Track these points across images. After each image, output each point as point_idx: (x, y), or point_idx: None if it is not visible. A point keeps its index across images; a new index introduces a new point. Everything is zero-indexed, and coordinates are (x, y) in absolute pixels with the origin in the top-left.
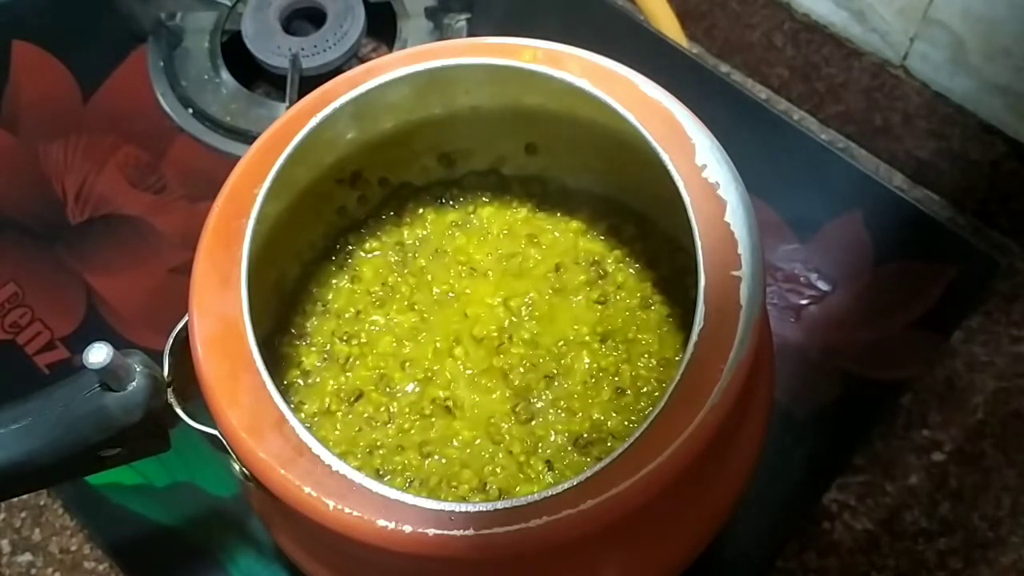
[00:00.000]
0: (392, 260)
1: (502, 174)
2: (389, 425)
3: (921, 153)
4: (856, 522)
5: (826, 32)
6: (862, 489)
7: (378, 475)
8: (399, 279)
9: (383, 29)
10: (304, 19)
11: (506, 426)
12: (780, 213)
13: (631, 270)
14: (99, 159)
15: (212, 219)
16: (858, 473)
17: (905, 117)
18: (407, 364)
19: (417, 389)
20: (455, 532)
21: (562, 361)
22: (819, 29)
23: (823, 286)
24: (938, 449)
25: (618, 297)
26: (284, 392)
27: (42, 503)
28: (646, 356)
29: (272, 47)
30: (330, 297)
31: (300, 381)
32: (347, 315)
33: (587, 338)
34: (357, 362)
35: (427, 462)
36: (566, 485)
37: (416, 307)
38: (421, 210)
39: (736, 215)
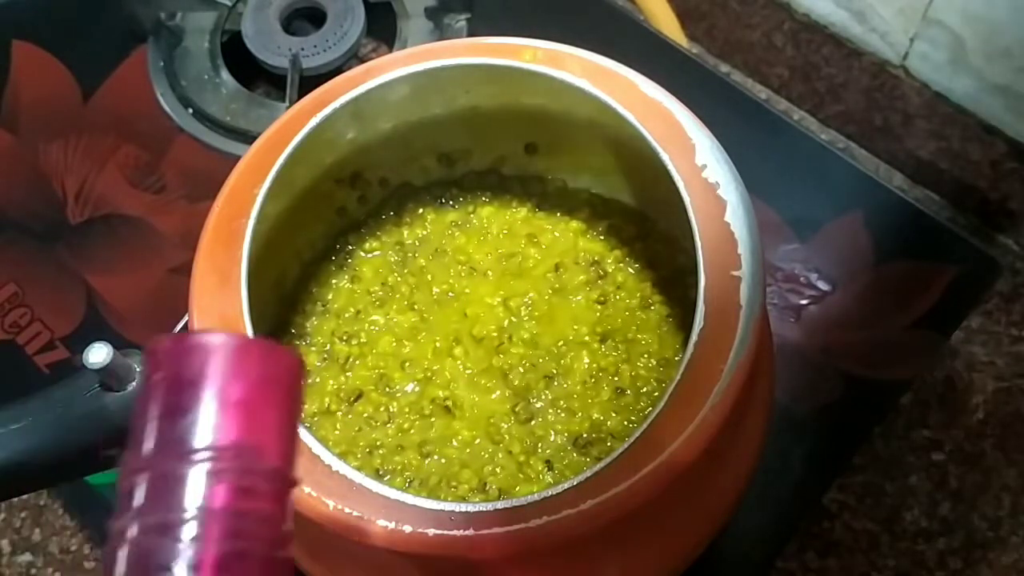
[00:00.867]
0: (392, 260)
1: (502, 174)
2: (389, 425)
3: (921, 153)
4: (856, 522)
5: (826, 32)
6: (862, 489)
7: (378, 475)
8: (399, 279)
9: (383, 29)
10: (304, 19)
11: (506, 426)
12: (780, 213)
13: (631, 270)
14: (99, 159)
15: (212, 219)
16: (858, 473)
17: (905, 117)
18: (407, 364)
19: (417, 389)
20: (455, 532)
21: (562, 361)
22: (819, 29)
23: (823, 286)
24: (938, 449)
25: (618, 297)
26: None
27: (42, 503)
28: (646, 356)
29: (272, 47)
30: (330, 297)
31: None
32: (347, 315)
33: (587, 338)
34: (357, 362)
35: (427, 462)
36: (566, 485)
37: (416, 307)
38: (421, 210)
39: (736, 215)
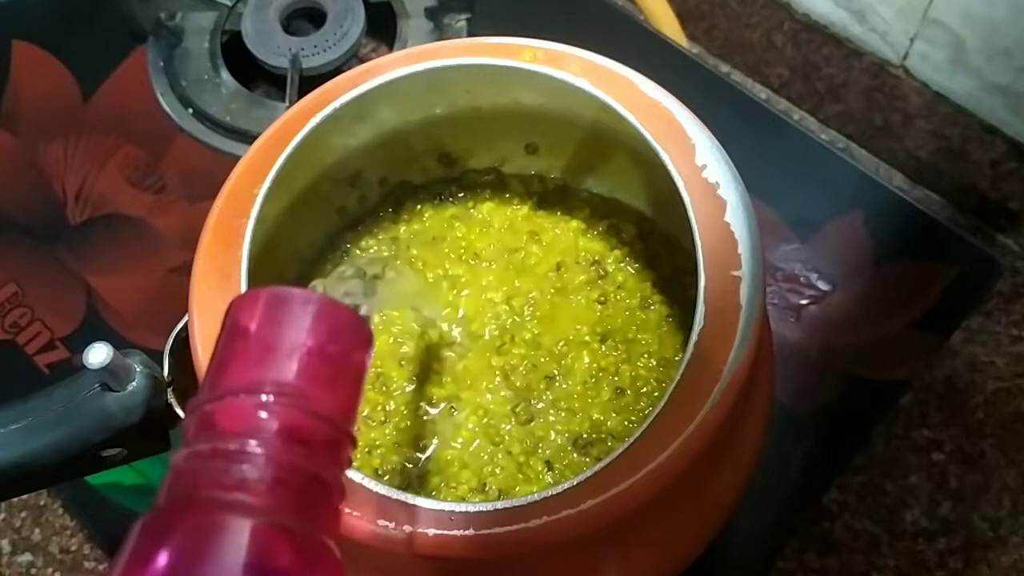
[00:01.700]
0: (385, 255)
1: (502, 173)
2: (386, 424)
3: (921, 153)
4: (856, 522)
5: (826, 32)
6: (862, 489)
7: (377, 475)
8: (394, 274)
9: (383, 29)
10: (304, 19)
11: (506, 426)
12: (780, 213)
13: (631, 270)
14: (99, 159)
15: (212, 219)
16: (858, 473)
17: (905, 117)
18: (403, 362)
19: (414, 388)
20: (455, 532)
21: (563, 361)
22: (819, 29)
23: (823, 286)
24: (938, 449)
25: (618, 297)
26: None
27: (42, 503)
28: (646, 356)
29: (272, 47)
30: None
31: None
32: None
33: (587, 338)
34: None
35: (425, 461)
36: (566, 485)
37: (414, 306)
38: (419, 207)
39: (736, 215)
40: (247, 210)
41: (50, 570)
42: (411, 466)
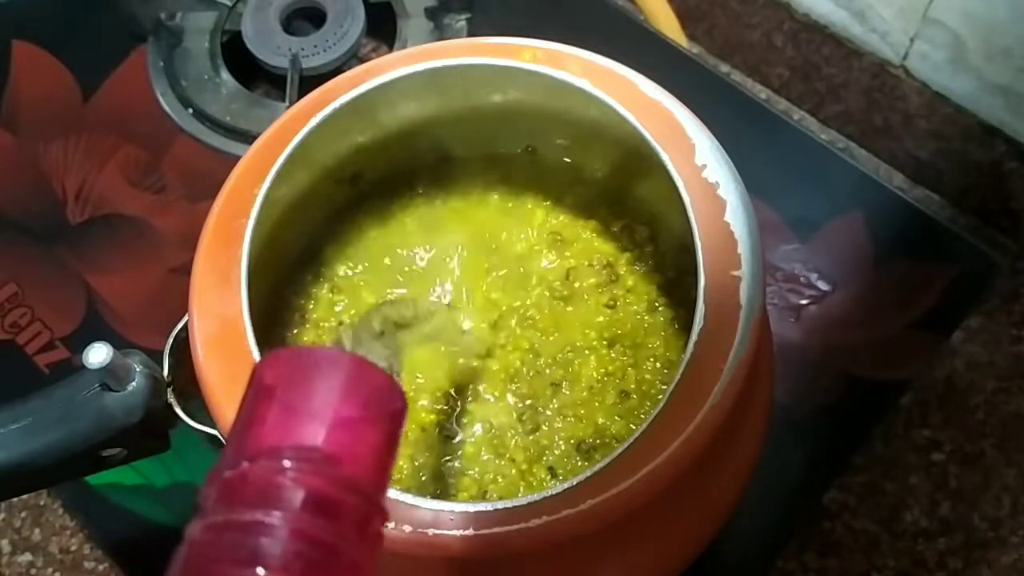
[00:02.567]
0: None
1: (502, 173)
2: None
3: (921, 153)
4: (856, 522)
5: (826, 32)
6: (862, 489)
7: None
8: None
9: (383, 29)
10: (304, 19)
11: (511, 436)
12: (780, 213)
13: (640, 272)
14: (99, 159)
15: (212, 219)
16: (858, 473)
17: (905, 117)
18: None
19: (414, 395)
20: (455, 532)
21: (570, 368)
22: (819, 29)
23: (823, 286)
24: (938, 449)
25: (627, 301)
26: None
27: (42, 503)
28: (652, 360)
29: (272, 47)
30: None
31: None
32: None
33: (595, 343)
34: None
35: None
36: (565, 485)
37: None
38: (419, 208)
39: (736, 215)
40: (247, 210)
41: (50, 570)
42: (412, 473)
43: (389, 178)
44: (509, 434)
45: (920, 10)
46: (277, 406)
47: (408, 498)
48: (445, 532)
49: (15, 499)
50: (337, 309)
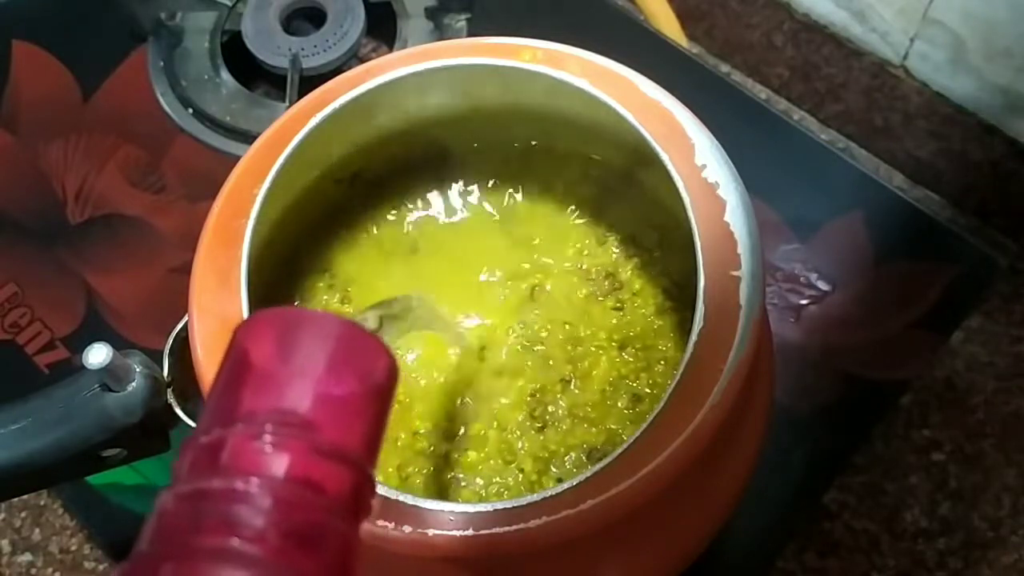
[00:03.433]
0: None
1: (502, 173)
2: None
3: (921, 153)
4: (856, 522)
5: (826, 32)
6: (862, 489)
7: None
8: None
9: (383, 29)
10: (304, 19)
11: (520, 444)
12: (780, 213)
13: (648, 276)
14: (99, 159)
15: (212, 219)
16: (858, 473)
17: (905, 117)
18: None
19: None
20: (455, 532)
21: (579, 364)
22: (819, 29)
23: (823, 286)
24: (938, 449)
25: (635, 304)
26: None
27: (42, 503)
28: (662, 362)
29: (272, 47)
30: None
31: None
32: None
33: (604, 344)
34: None
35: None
36: (565, 485)
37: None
38: (420, 209)
39: (736, 215)
40: (247, 210)
41: (50, 570)
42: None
43: (389, 178)
44: (517, 434)
45: (920, 10)
46: (258, 370)
47: (408, 498)
48: (445, 532)
49: (15, 499)
50: (337, 309)
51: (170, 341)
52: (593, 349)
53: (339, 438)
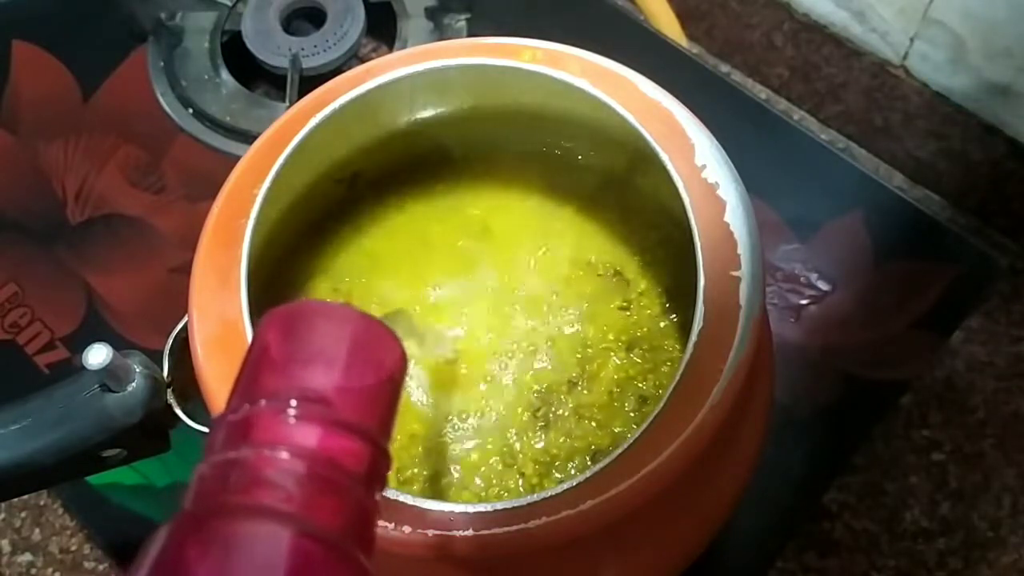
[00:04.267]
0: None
1: (502, 173)
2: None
3: (921, 153)
4: (856, 522)
5: (826, 32)
6: (862, 489)
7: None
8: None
9: (383, 29)
10: (304, 19)
11: (518, 445)
12: (780, 213)
13: (651, 276)
14: (99, 159)
15: (212, 219)
16: (858, 473)
17: (905, 117)
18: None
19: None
20: (455, 533)
21: (586, 367)
22: (819, 29)
23: (823, 286)
24: (938, 449)
25: (642, 303)
26: None
27: (42, 503)
28: (669, 363)
29: (272, 47)
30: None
31: None
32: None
33: (612, 345)
34: None
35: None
36: (565, 486)
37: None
38: (420, 209)
39: (736, 215)
40: (247, 210)
41: (50, 570)
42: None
43: (389, 178)
44: (519, 436)
45: (920, 10)
46: (281, 356)
47: (408, 498)
48: (445, 533)
49: (15, 499)
50: None
51: (170, 341)
52: (602, 349)
53: (356, 415)
